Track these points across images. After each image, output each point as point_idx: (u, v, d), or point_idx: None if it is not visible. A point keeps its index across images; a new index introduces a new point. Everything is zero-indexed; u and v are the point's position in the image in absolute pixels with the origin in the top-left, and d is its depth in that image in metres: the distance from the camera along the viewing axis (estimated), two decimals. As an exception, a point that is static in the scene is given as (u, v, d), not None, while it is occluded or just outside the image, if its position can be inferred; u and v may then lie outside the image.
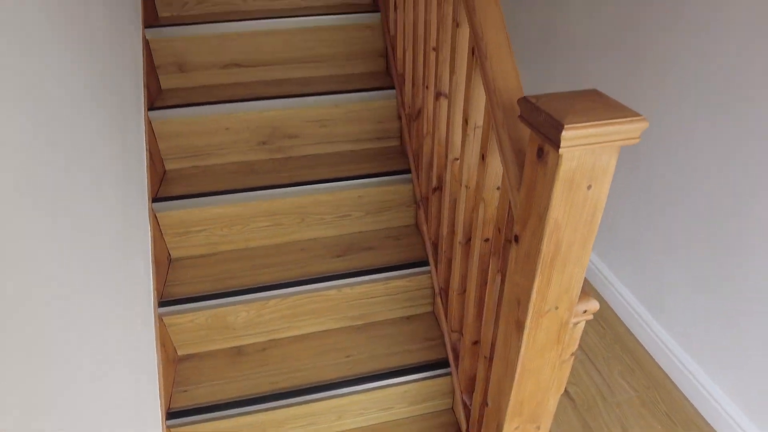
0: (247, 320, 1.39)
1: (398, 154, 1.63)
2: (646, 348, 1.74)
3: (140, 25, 1.55)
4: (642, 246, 1.72)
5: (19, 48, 0.82)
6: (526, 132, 0.74)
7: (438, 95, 1.15)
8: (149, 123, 1.50)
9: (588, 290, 1.90)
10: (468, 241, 1.11)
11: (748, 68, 1.23)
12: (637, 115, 0.57)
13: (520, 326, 0.75)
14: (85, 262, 0.92)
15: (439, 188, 1.30)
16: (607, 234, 1.91)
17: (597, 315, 1.91)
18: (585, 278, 2.07)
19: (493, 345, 0.96)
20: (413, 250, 1.48)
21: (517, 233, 0.70)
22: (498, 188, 0.91)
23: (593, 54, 1.83)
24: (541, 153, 0.61)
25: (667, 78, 1.49)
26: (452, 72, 1.01)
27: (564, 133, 0.54)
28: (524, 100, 0.61)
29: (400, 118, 1.63)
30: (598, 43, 1.79)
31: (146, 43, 1.58)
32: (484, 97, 0.87)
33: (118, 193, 1.15)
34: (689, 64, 1.40)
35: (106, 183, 1.09)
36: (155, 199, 1.42)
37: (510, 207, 0.78)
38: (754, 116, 1.23)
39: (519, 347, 0.76)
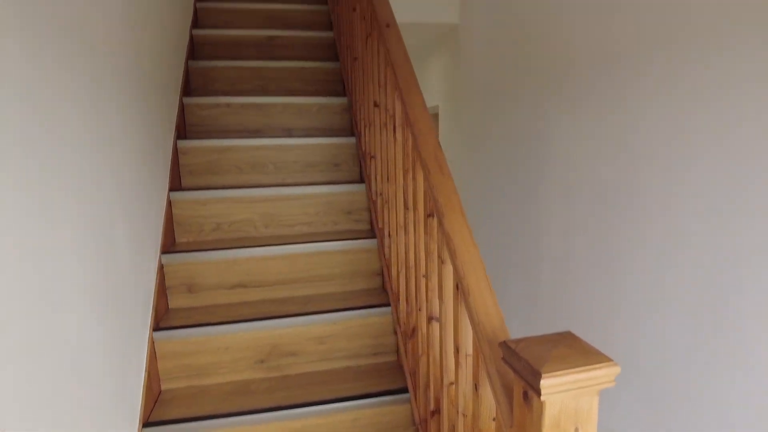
0: None
1: (395, 370, 1.63)
2: None
3: (158, 252, 1.71)
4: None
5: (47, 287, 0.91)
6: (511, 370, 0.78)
7: (430, 319, 1.22)
8: (152, 343, 1.54)
9: None
10: (470, 474, 1.05)
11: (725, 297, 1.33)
12: (609, 360, 0.63)
13: None
14: None
15: (438, 411, 1.28)
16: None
17: None
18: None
19: None
20: (414, 480, 1.37)
21: (515, 477, 0.69)
22: (494, 419, 0.91)
23: (572, 271, 1.97)
24: (526, 396, 0.64)
25: (646, 294, 1.60)
26: (441, 300, 1.10)
27: (543, 382, 0.58)
28: (505, 346, 0.67)
29: (396, 333, 1.68)
30: (575, 263, 1.95)
31: (161, 267, 1.72)
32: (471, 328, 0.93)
33: (106, 421, 1.13)
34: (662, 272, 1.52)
35: (100, 415, 1.08)
36: (146, 423, 1.37)
37: (506, 444, 0.78)
38: (740, 348, 1.28)
39: None
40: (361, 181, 2.12)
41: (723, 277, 1.32)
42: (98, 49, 1.24)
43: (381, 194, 1.80)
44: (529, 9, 2.27)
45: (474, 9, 2.97)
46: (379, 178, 1.81)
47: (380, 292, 1.84)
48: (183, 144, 2.05)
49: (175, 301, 1.76)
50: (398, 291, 1.62)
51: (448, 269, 1.05)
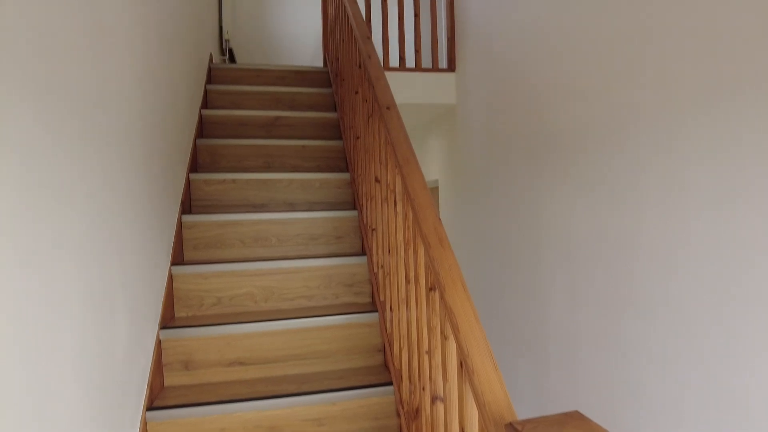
0: None
1: (398, 455, 1.55)
2: None
3: (157, 327, 1.68)
4: None
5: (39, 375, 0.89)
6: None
7: (434, 399, 1.18)
8: (145, 424, 1.47)
9: None
10: None
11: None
12: (619, 443, 0.60)
13: None
14: None
15: (443, 500, 1.20)
16: None
17: None
18: None
19: None
20: None
21: None
22: None
23: (579, 343, 1.93)
24: (536, 483, 0.61)
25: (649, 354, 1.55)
26: (445, 379, 1.07)
27: (552, 468, 0.56)
28: (511, 428, 0.65)
29: (398, 415, 1.61)
30: (582, 333, 1.91)
31: (158, 343, 1.68)
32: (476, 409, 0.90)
33: None
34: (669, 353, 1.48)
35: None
36: None
37: None
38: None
39: None
40: (363, 253, 2.13)
41: (734, 355, 1.29)
42: (111, 125, 1.30)
43: (382, 267, 1.80)
44: (520, 89, 2.40)
45: (469, 90, 3.14)
46: (380, 250, 1.82)
47: (382, 370, 1.78)
48: (187, 219, 2.09)
49: (171, 379, 1.71)
50: (401, 368, 1.58)
51: (451, 345, 1.03)
